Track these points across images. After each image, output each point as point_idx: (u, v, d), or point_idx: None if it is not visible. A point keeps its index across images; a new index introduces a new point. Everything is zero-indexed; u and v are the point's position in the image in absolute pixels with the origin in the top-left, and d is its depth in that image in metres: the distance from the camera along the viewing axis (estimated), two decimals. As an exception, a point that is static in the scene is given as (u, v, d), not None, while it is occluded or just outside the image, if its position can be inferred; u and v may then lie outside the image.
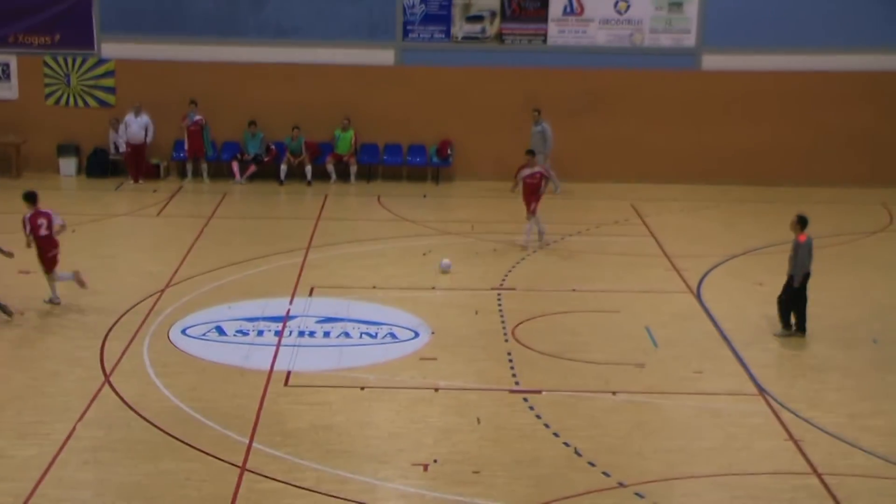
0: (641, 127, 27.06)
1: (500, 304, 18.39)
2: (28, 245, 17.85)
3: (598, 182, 26.86)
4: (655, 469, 12.93)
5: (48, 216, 18.07)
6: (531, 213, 21.60)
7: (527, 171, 21.71)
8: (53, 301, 17.90)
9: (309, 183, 26.65)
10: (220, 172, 26.97)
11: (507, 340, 16.82)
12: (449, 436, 13.72)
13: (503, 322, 17.61)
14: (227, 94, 26.58)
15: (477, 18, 26.91)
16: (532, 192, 21.56)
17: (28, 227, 17.91)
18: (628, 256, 21.36)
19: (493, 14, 26.88)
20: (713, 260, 21.04)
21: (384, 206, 24.99)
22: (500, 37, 26.97)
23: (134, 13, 26.57)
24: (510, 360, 16.08)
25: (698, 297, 19.04)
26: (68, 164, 26.94)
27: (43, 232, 17.96)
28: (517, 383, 15.30)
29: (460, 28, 26.94)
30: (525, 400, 14.74)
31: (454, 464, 12.96)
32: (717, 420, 14.37)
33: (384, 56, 26.98)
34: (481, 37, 26.99)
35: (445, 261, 19.99)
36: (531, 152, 22.28)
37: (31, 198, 18.07)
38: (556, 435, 13.72)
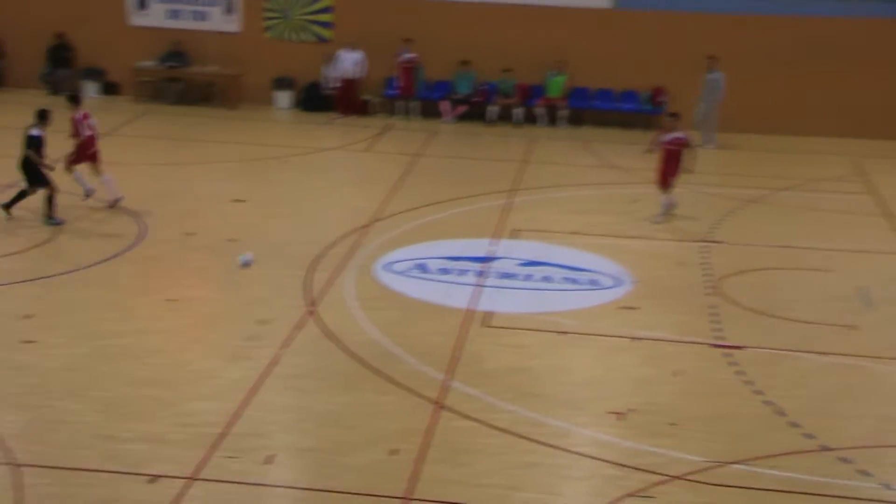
0: (869, 80, 25.78)
1: (705, 257, 17.93)
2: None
3: (818, 136, 25.83)
4: (863, 435, 12.40)
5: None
6: (666, 185, 19.47)
7: (668, 136, 19.51)
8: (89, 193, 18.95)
9: (517, 125, 26.51)
10: (430, 111, 27.07)
11: (710, 294, 16.39)
12: (645, 386, 13.49)
13: (707, 275, 17.17)
14: (441, 33, 26.59)
15: None
16: (671, 161, 19.39)
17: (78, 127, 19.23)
18: (845, 214, 20.50)
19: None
20: (937, 222, 20.03)
21: (593, 153, 24.66)
22: (724, -18, 26.06)
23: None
24: (713, 315, 15.66)
25: (918, 260, 18.15)
26: (283, 98, 27.52)
27: (87, 132, 19.21)
28: (720, 338, 14.91)
29: (686, -28, 26.11)
30: (726, 355, 14.34)
31: (650, 415, 12.72)
32: (932, 389, 13.71)
33: (601, -1, 26.56)
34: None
35: (246, 256, 17.00)
36: (674, 115, 19.89)
37: (75, 99, 19.65)
38: (757, 392, 13.31)
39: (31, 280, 15.93)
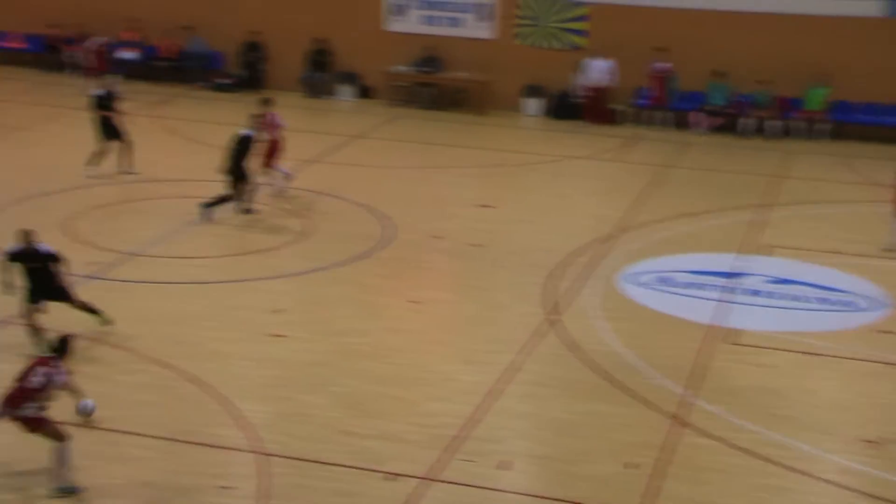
0: None
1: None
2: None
3: None
4: None
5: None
6: None
7: None
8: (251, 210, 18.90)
9: (773, 138, 25.66)
10: (681, 122, 26.53)
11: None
12: (900, 415, 12.77)
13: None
14: (695, 43, 26.01)
15: None
16: None
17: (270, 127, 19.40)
18: None
19: None
20: None
21: (853, 169, 23.60)
22: None
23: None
24: (979, 344, 14.70)
25: None
26: (532, 105, 27.53)
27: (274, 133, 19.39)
28: None
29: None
30: None
31: (905, 446, 12.02)
32: None
33: (870, 7, 25.31)
34: None
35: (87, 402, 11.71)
36: None
37: (267, 101, 19.98)
38: None
39: (282, 276, 16.41)
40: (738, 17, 25.84)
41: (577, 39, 27.14)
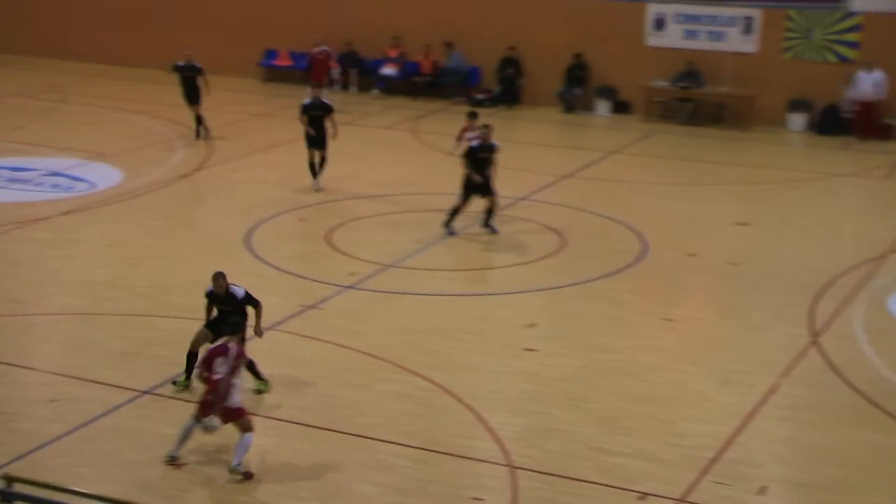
0: None
1: None
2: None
3: None
4: None
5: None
6: None
7: None
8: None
9: None
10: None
11: None
12: None
13: None
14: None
15: None
16: None
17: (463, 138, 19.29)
18: None
19: None
20: None
21: None
22: None
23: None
24: None
25: None
26: (797, 120, 26.62)
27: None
28: None
29: None
30: None
31: None
32: None
33: None
34: None
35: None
36: None
37: (473, 115, 19.88)
38: None
39: (537, 290, 16.38)
40: None
41: (847, 51, 26.06)
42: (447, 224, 18.44)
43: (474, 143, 18.50)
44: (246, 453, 10.95)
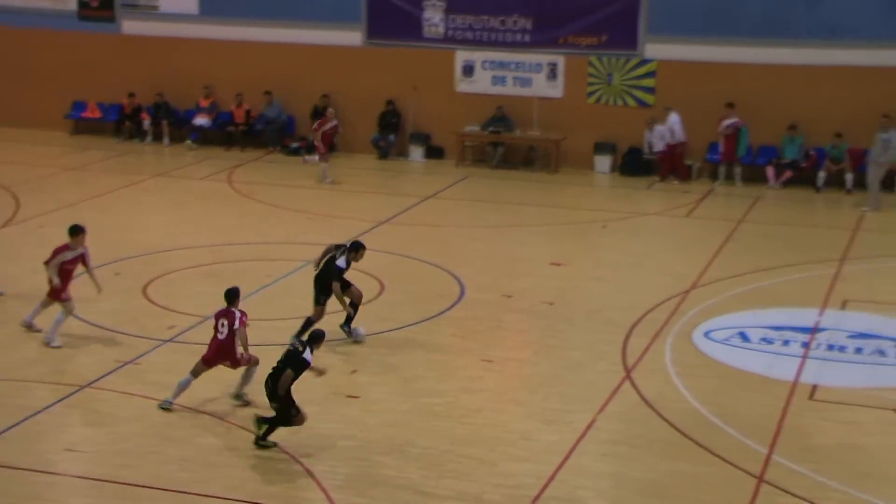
0: None
1: None
2: None
3: None
4: None
5: None
6: None
7: None
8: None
9: (849, 191, 25.34)
10: (753, 176, 26.28)
11: None
12: None
13: None
14: (766, 97, 25.84)
15: None
16: None
17: None
18: None
19: None
20: None
21: (931, 221, 23.25)
22: None
23: (680, 15, 26.51)
24: None
25: None
26: (603, 162, 27.50)
27: None
28: None
29: None
30: None
31: None
32: None
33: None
34: None
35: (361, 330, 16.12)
36: None
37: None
38: None
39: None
40: (810, 70, 25.62)
41: (646, 96, 27.12)
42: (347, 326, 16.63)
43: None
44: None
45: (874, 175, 24.27)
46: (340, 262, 16.02)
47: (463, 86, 28.28)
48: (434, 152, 28.63)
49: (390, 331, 16.62)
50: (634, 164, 27.15)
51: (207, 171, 26.88)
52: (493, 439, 13.10)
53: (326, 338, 13.38)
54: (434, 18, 28.24)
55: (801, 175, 25.82)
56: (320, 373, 13.19)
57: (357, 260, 16.20)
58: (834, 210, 24.38)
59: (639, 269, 19.93)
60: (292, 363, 12.68)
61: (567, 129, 27.41)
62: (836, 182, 25.56)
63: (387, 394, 14.37)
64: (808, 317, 17.19)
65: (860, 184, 25.16)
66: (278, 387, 12.54)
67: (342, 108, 28.57)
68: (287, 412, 12.62)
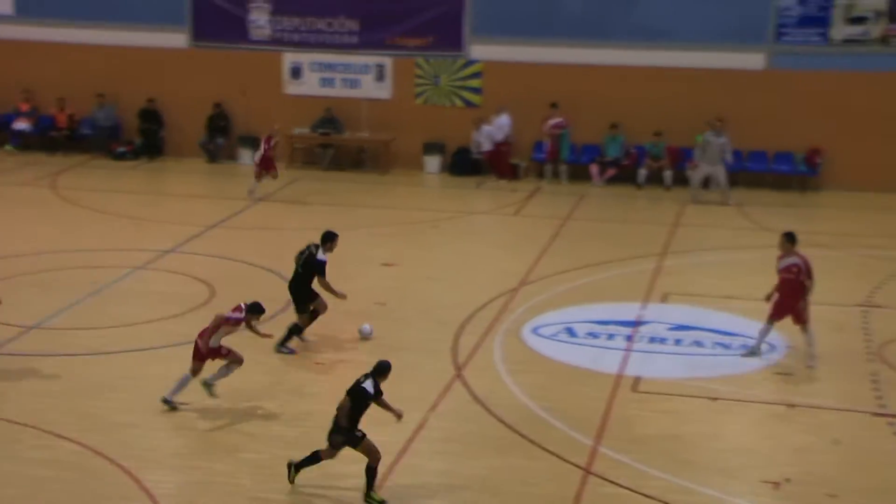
0: None
1: (865, 322, 17.34)
2: None
3: None
4: None
5: None
6: (801, 321, 15.68)
7: (783, 262, 15.88)
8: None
9: (668, 188, 26.22)
10: (578, 175, 26.96)
11: (871, 360, 15.82)
12: (803, 455, 13.07)
13: (868, 341, 16.59)
14: (589, 97, 26.54)
15: (860, 20, 25.51)
16: (791, 293, 15.72)
17: None
18: None
19: (878, 15, 25.41)
20: None
21: (746, 215, 24.20)
22: (884, 39, 25.49)
23: (504, 16, 27.01)
24: (874, 382, 15.11)
25: None
26: (432, 163, 27.79)
27: None
28: (883, 406, 14.36)
29: (840, 30, 25.65)
30: (891, 424, 13.79)
31: (808, 485, 12.30)
32: None
33: (754, 60, 26.14)
34: (863, 39, 25.60)
35: (366, 326, 16.66)
36: (791, 238, 15.89)
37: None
38: (924, 464, 12.77)
39: (188, 343, 16.21)
40: (630, 71, 26.41)
41: (473, 97, 27.51)
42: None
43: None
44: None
45: (696, 174, 25.15)
46: (321, 255, 16.21)
47: (291, 88, 28.22)
48: (264, 155, 28.43)
49: (221, 336, 16.47)
50: (463, 163, 27.52)
51: (29, 176, 26.18)
52: (323, 442, 13.10)
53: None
54: (260, 20, 28.11)
55: (624, 172, 26.60)
56: (398, 415, 12.38)
57: (332, 250, 16.38)
58: (655, 206, 25.17)
59: (469, 267, 20.22)
60: (351, 392, 12.03)
61: (396, 130, 27.62)
62: (656, 179, 26.40)
63: (219, 400, 14.25)
64: (631, 311, 17.73)
65: (680, 180, 26.07)
66: (337, 416, 11.91)
67: (169, 111, 28.24)
68: (352, 437, 11.92)
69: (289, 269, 19.46)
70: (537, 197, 25.72)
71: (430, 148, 27.76)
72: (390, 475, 12.36)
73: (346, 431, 11.90)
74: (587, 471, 12.56)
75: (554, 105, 26.47)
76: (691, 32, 26.16)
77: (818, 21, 25.74)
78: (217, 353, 14.06)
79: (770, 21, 25.97)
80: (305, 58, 28.04)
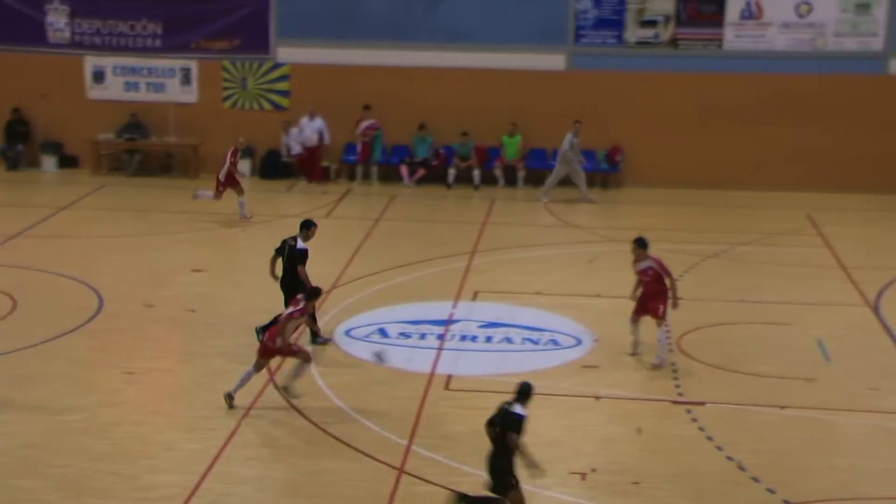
0: (821, 134, 26.20)
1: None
2: None
3: (773, 191, 26.12)
4: (824, 487, 12.45)
5: None
6: (660, 316, 16.06)
7: (638, 266, 16.22)
8: None
9: (477, 187, 26.66)
10: (389, 176, 27.17)
11: (671, 350, 16.46)
12: (609, 445, 13.51)
13: (668, 332, 17.22)
14: (397, 98, 26.77)
15: (651, 23, 26.53)
16: (651, 293, 16.12)
17: None
18: (801, 267, 20.69)
19: (667, 19, 26.49)
20: (894, 273, 20.20)
21: (551, 212, 24.81)
22: (674, 42, 26.55)
23: (309, 18, 27.04)
24: (674, 371, 15.73)
25: (876, 311, 18.31)
26: (243, 166, 27.51)
27: None
28: (680, 394, 14.96)
29: (633, 33, 26.62)
30: (688, 412, 14.39)
31: (613, 474, 12.73)
32: (892, 439, 13.79)
33: (555, 61, 26.84)
34: (655, 42, 26.61)
35: (382, 353, 14.98)
36: (641, 243, 16.15)
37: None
38: (719, 448, 13.35)
39: (-13, 357, 15.80)
40: (438, 73, 26.74)
41: (280, 100, 27.42)
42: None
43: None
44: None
45: (557, 172, 25.60)
46: (300, 245, 16.44)
47: (94, 92, 27.59)
48: (67, 161, 27.79)
49: (25, 348, 16.06)
50: (274, 167, 27.39)
51: None
52: (134, 453, 12.95)
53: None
54: (58, 23, 27.37)
55: (433, 173, 26.92)
56: (535, 466, 11.32)
57: (311, 237, 16.65)
58: (464, 205, 25.57)
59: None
60: (509, 424, 11.14)
61: (204, 135, 27.29)
62: (465, 178, 26.81)
63: (23, 414, 13.89)
64: (442, 310, 17.98)
65: (487, 179, 26.56)
66: (507, 451, 11.12)
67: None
68: (506, 481, 11.12)
69: (94, 276, 19.16)
70: (348, 199, 25.80)
71: (242, 151, 27.44)
72: (202, 482, 12.25)
73: (505, 473, 11.10)
74: (401, 470, 12.71)
75: (367, 107, 26.59)
76: (495, 34, 26.68)
77: (613, 24, 26.61)
78: (287, 350, 14.33)
79: (569, 23, 26.68)
80: (108, 61, 27.46)
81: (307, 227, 16.76)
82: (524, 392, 11.45)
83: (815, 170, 26.31)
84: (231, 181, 23.51)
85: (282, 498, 12.14)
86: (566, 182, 25.94)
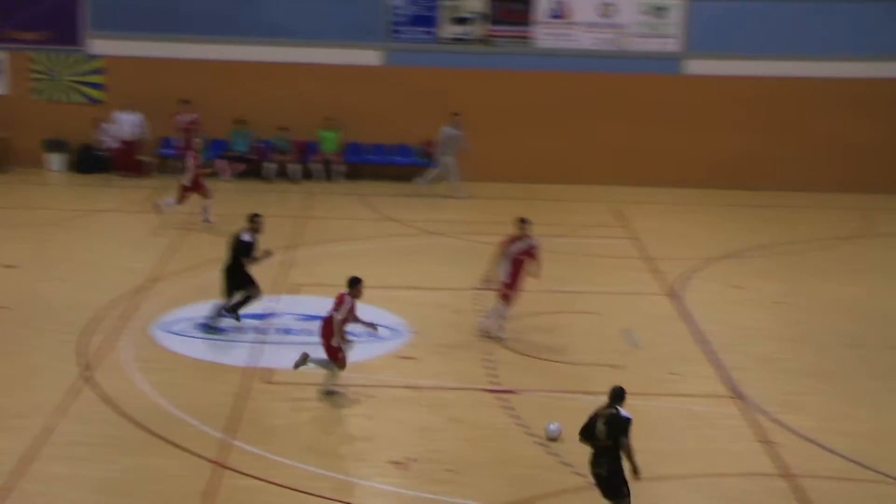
0: (625, 130, 27.20)
1: (480, 305, 18.46)
2: None
3: (580, 184, 26.96)
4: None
5: None
6: (506, 298, 17.00)
7: (518, 246, 16.99)
8: None
9: (295, 182, 26.72)
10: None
11: (484, 340, 16.90)
12: (426, 434, 13.84)
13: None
14: (215, 92, 26.59)
15: (464, 20, 27.06)
16: (520, 275, 16.99)
17: None
18: (608, 258, 21.47)
19: (480, 16, 27.05)
20: (694, 263, 21.18)
21: (369, 206, 25.07)
22: (486, 39, 27.14)
23: (124, 10, 26.63)
24: (488, 361, 16.18)
25: (677, 299, 19.17)
26: (56, 160, 26.98)
27: None
28: (495, 383, 15.42)
29: (447, 29, 27.11)
30: (502, 400, 14.85)
31: (431, 462, 13.06)
32: (692, 422, 14.52)
33: (371, 56, 27.12)
34: (468, 39, 27.16)
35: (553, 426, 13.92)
36: (525, 221, 17.09)
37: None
38: (531, 435, 13.83)
39: None
40: (253, 67, 26.70)
41: (95, 93, 26.93)
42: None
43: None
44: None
45: (447, 168, 25.80)
46: (245, 236, 16.81)
47: None
48: None
49: None
50: (89, 161, 26.89)
51: None
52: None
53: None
54: None
55: (252, 167, 26.85)
56: (639, 471, 11.44)
57: (258, 230, 16.94)
58: (284, 200, 25.58)
59: (96, 266, 19.87)
60: (618, 430, 11.24)
61: (13, 128, 26.60)
62: (283, 173, 26.83)
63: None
64: (263, 304, 18.02)
65: (306, 174, 26.68)
66: (618, 457, 11.27)
67: None
68: (622, 491, 11.28)
69: None
70: (165, 194, 25.44)
71: (52, 145, 26.92)
72: (17, 483, 12.09)
73: (621, 483, 11.29)
74: (221, 465, 12.77)
75: (185, 101, 26.30)
76: (312, 29, 26.79)
77: (427, 21, 27.05)
78: (335, 353, 14.59)
79: (384, 19, 26.99)
80: None
81: (252, 220, 17.08)
82: (619, 395, 11.63)
83: (620, 165, 27.29)
84: (197, 186, 23.03)
85: (97, 496, 12.06)
86: (403, 176, 26.31)
